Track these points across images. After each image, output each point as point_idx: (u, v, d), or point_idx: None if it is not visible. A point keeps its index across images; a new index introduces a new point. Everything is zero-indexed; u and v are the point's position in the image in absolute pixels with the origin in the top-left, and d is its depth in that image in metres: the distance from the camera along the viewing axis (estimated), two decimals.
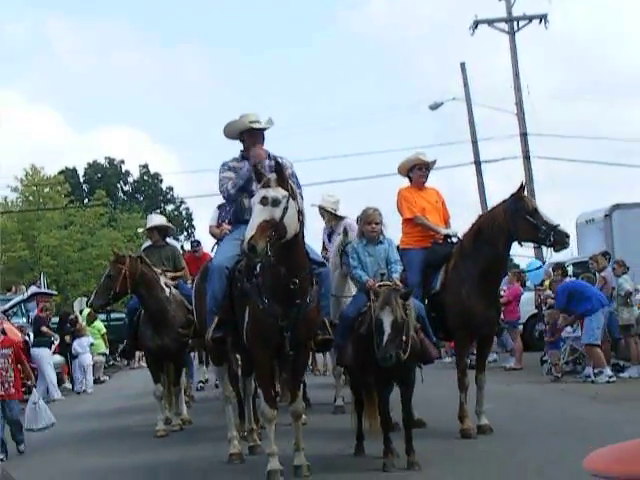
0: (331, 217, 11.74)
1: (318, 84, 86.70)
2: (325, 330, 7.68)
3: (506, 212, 8.96)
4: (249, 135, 8.36)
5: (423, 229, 9.73)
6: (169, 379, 11.45)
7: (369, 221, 8.25)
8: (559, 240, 8.88)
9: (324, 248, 11.92)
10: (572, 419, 9.81)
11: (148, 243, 12.83)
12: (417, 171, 9.84)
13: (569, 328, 14.74)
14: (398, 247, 9.81)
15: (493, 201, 10.50)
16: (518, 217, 8.85)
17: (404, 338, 7.12)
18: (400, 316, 7.07)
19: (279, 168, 7.12)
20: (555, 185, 57.19)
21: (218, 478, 7.87)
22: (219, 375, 9.18)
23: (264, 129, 8.43)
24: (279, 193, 6.88)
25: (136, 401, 15.59)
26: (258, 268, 7.23)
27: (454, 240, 9.62)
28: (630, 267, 20.39)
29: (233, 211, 8.67)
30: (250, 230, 6.55)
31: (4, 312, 17.72)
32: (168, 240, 12.85)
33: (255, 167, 7.56)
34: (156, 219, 13.19)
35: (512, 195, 9.02)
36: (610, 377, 13.76)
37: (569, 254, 25.89)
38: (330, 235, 11.91)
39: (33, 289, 23.84)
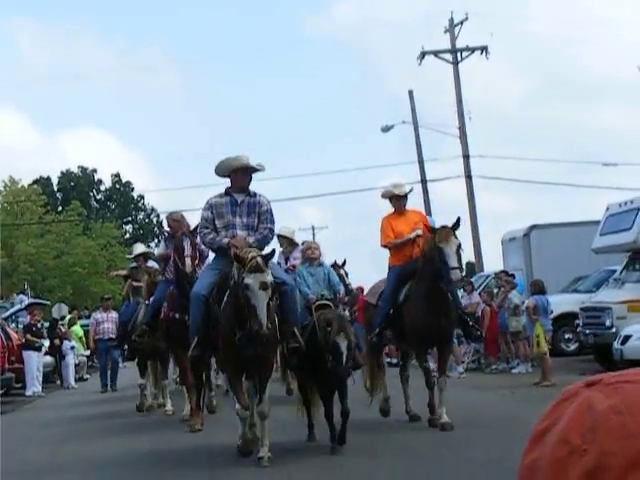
0: (288, 244, 13.51)
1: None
2: (296, 339, 8.98)
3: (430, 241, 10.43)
4: (239, 173, 9.29)
5: (403, 249, 11.02)
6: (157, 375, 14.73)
7: (309, 247, 10.55)
8: (449, 280, 10.27)
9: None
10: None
11: (134, 264, 15.85)
12: (395, 201, 11.21)
13: None
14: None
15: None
16: (431, 252, 10.33)
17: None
18: (352, 339, 8.89)
19: (266, 257, 8.52)
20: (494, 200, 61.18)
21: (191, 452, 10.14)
22: (231, 385, 10.16)
23: (256, 170, 9.46)
24: (270, 277, 8.30)
25: (116, 394, 18.73)
26: (226, 296, 8.65)
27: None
28: (545, 280, 23.85)
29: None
30: (263, 317, 8.00)
31: (5, 319, 20.69)
32: (150, 263, 15.94)
33: (236, 255, 8.50)
34: (140, 248, 16.59)
35: (433, 230, 10.46)
36: (461, 373, 17.44)
37: (496, 267, 29.30)
38: (287, 259, 13.45)
39: (22, 298, 26.72)
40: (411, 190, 11.68)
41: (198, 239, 10.63)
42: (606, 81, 66.92)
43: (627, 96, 73.21)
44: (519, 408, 11.70)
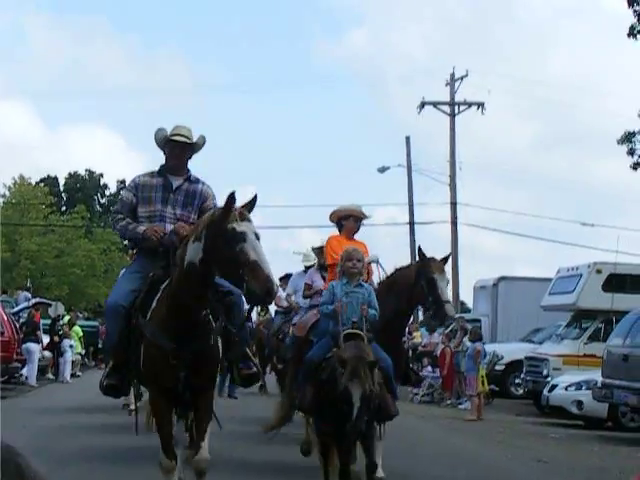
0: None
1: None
2: (248, 363, 7.22)
3: (414, 273, 9.30)
4: (170, 148, 7.26)
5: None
6: None
7: (350, 258, 7.86)
8: (439, 316, 9.19)
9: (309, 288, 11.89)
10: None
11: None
12: (352, 221, 9.70)
13: (429, 368, 20.32)
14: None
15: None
16: (418, 281, 9.14)
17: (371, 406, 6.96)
18: (368, 388, 6.80)
19: (252, 203, 6.20)
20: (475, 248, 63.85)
21: None
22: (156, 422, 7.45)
23: (187, 143, 7.25)
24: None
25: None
26: (155, 302, 6.60)
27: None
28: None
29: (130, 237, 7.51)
30: (270, 270, 5.85)
31: (13, 314, 22.80)
32: None
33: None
34: None
35: (426, 259, 9.33)
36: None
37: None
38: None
39: (26, 295, 28.88)
40: (369, 217, 10.21)
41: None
42: (604, 140, 69.32)
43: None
44: (446, 433, 13.99)
